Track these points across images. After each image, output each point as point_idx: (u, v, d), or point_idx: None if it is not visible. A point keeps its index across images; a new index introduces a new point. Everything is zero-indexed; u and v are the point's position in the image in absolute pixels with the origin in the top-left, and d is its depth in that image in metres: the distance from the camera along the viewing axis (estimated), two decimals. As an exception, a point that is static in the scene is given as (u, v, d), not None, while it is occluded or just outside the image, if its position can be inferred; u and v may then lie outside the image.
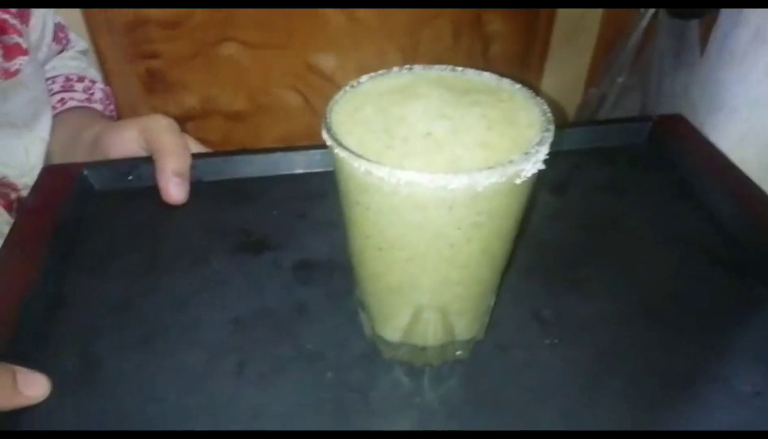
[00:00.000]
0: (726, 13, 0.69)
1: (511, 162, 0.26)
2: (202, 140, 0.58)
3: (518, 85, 0.32)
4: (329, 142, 0.28)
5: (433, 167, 0.27)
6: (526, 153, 0.26)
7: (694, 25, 0.82)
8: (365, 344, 0.37)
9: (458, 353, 0.36)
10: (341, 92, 0.31)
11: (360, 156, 0.26)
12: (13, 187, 0.60)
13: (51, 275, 0.42)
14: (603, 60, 1.05)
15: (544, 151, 0.27)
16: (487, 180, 0.25)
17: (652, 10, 0.91)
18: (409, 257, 0.29)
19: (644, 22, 0.93)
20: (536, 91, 0.32)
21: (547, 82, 1.16)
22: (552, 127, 0.28)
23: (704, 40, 0.77)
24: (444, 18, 1.03)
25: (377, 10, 0.99)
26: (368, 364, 0.36)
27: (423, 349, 0.34)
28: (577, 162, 0.53)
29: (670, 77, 0.86)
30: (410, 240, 0.28)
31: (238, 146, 1.08)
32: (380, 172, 0.26)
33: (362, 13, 1.00)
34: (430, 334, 0.33)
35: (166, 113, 0.53)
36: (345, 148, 0.27)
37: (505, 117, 0.30)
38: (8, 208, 0.59)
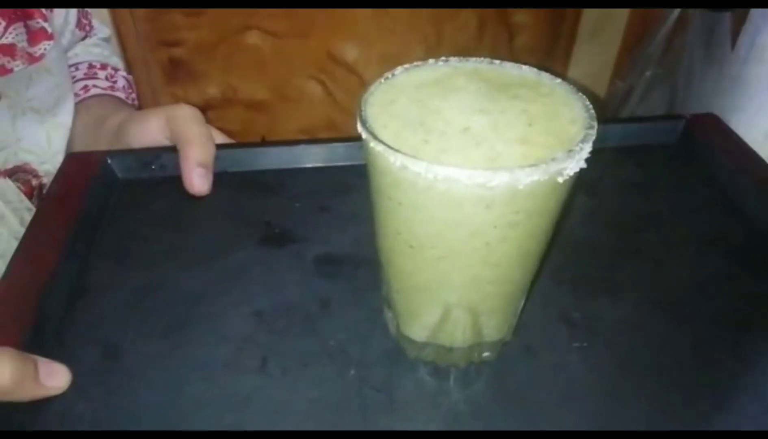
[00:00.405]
0: (758, 9, 0.67)
1: (554, 160, 0.25)
2: (222, 130, 0.57)
3: (558, 80, 0.31)
4: (364, 135, 0.27)
5: (471, 163, 0.26)
6: (570, 151, 0.25)
7: (725, 19, 0.80)
8: (389, 341, 0.36)
9: (485, 354, 0.35)
10: (376, 84, 0.30)
11: (396, 150, 0.25)
12: (35, 174, 0.60)
13: (72, 264, 0.41)
14: (630, 53, 1.03)
15: (587, 149, 0.26)
16: (528, 178, 0.24)
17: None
18: (441, 255, 0.28)
19: (674, 15, 0.91)
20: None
21: (573, 74, 1.14)
22: (596, 124, 0.27)
23: (735, 34, 0.76)
24: (469, 9, 1.01)
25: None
26: (392, 363, 0.35)
27: (450, 350, 0.34)
28: (608, 160, 0.51)
29: (700, 72, 0.84)
30: (444, 238, 0.27)
31: (257, 136, 1.08)
32: (417, 167, 0.25)
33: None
34: (459, 334, 0.32)
35: (187, 102, 0.53)
36: (381, 141, 0.26)
37: (546, 112, 0.29)
38: (30, 194, 0.59)
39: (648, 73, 0.97)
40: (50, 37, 0.57)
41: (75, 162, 0.51)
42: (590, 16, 1.08)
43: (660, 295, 0.40)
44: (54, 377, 0.34)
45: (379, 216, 0.30)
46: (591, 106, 0.28)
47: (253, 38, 0.99)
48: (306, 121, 1.09)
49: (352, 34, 1.01)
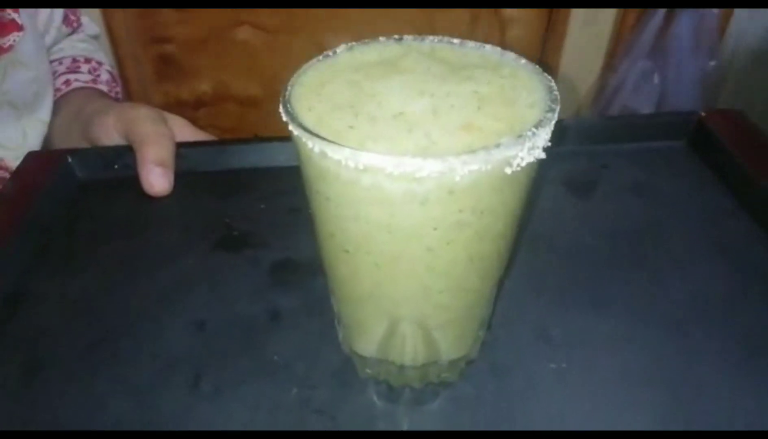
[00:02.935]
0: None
1: (497, 146, 0.21)
2: (215, 126, 0.55)
3: (523, 60, 0.27)
4: (285, 118, 0.23)
5: (399, 152, 0.22)
6: (519, 136, 0.21)
7: (713, 10, 0.79)
8: (340, 358, 0.32)
9: (444, 374, 0.30)
10: (311, 62, 0.27)
11: (315, 135, 0.21)
12: (9, 169, 0.58)
13: (12, 270, 0.38)
14: (622, 44, 1.02)
15: (543, 136, 0.22)
16: (465, 167, 0.20)
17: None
18: (377, 261, 0.24)
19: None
20: (554, 74, 0.27)
21: (565, 66, 1.11)
22: (556, 108, 0.23)
23: (723, 25, 0.75)
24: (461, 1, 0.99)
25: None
26: (340, 381, 0.31)
27: (401, 367, 0.29)
28: (606, 160, 0.47)
29: (690, 63, 0.83)
30: (378, 241, 0.24)
31: (250, 132, 1.06)
32: (337, 154, 0.21)
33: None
34: (409, 351, 0.28)
35: (179, 99, 0.51)
36: (300, 125, 0.22)
37: (502, 95, 0.25)
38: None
39: (639, 64, 0.95)
40: (20, 28, 0.55)
41: (35, 160, 0.48)
42: (581, 8, 1.05)
43: (655, 311, 0.35)
44: None
45: (312, 214, 0.26)
46: (555, 88, 0.24)
47: (244, 34, 0.98)
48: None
49: (343, 28, 0.99)
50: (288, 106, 0.23)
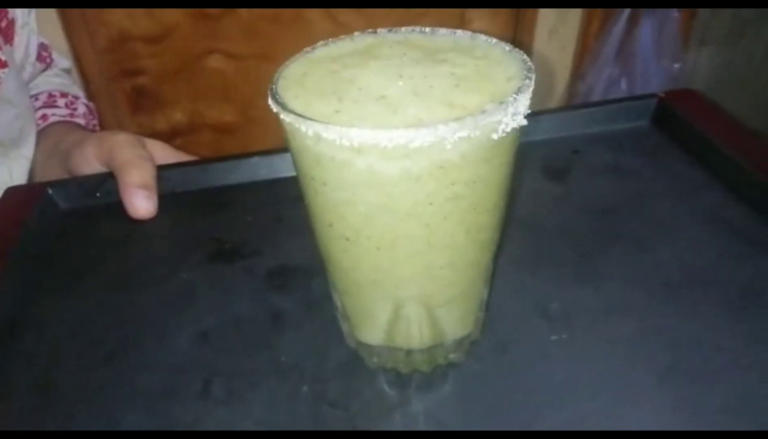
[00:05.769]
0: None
1: (483, 112, 0.22)
2: (191, 155, 0.55)
3: (495, 41, 0.28)
4: (275, 108, 0.24)
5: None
6: (502, 102, 0.22)
7: (675, 13, 0.82)
8: (347, 352, 0.32)
9: (451, 355, 0.31)
10: (292, 59, 0.27)
11: (307, 118, 0.22)
12: None
13: (8, 298, 0.38)
14: (588, 53, 1.05)
15: (523, 102, 0.23)
16: (455, 134, 0.21)
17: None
18: (379, 245, 0.25)
19: (626, 14, 0.93)
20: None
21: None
22: (533, 76, 0.24)
23: (686, 28, 0.77)
24: (428, 19, 1.02)
25: (361, 14, 0.97)
26: (349, 374, 0.31)
27: (409, 352, 0.30)
28: (576, 146, 0.48)
29: (655, 67, 0.86)
30: (377, 224, 0.24)
31: None
32: (330, 133, 0.22)
33: (346, 17, 0.98)
34: (415, 333, 0.29)
35: (154, 130, 0.51)
36: (291, 111, 0.23)
37: (478, 73, 0.26)
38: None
39: (606, 71, 0.98)
40: (4, 64, 0.55)
41: (15, 195, 0.48)
42: (546, 20, 1.08)
43: (646, 277, 0.36)
44: None
45: (309, 204, 0.27)
46: (528, 60, 0.25)
47: (215, 62, 0.98)
48: (276, 141, 1.06)
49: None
50: (277, 96, 0.24)
